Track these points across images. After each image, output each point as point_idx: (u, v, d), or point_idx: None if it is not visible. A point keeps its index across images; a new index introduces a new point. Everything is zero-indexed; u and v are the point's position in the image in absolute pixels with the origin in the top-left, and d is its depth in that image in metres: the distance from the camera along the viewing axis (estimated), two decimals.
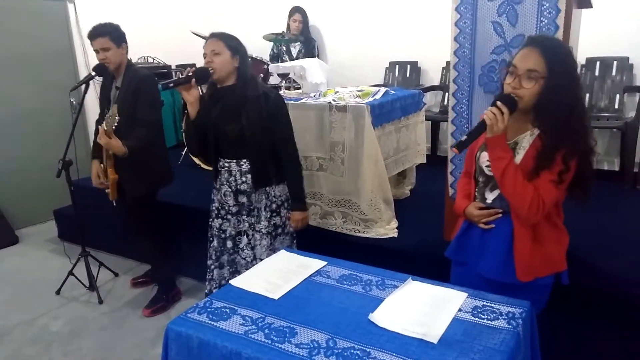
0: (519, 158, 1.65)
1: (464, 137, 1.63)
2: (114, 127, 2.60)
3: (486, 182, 1.77)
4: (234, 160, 2.38)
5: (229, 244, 2.49)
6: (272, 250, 2.41)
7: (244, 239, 2.46)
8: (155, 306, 3.15)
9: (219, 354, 1.41)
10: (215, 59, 2.25)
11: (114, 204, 3.11)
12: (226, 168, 2.41)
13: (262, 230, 2.42)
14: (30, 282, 3.62)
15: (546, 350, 1.67)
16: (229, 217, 2.47)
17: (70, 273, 3.40)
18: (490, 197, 1.76)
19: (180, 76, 2.31)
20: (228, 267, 2.54)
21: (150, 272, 3.54)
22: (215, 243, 2.54)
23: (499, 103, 1.57)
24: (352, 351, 1.34)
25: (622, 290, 2.24)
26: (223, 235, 2.50)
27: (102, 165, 3.04)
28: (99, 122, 3.09)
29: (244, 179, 2.37)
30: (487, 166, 1.72)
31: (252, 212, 2.43)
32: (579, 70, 3.92)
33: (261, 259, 2.34)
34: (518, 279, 1.68)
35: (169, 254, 3.32)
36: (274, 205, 2.43)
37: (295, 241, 2.57)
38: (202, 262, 3.48)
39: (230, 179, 2.41)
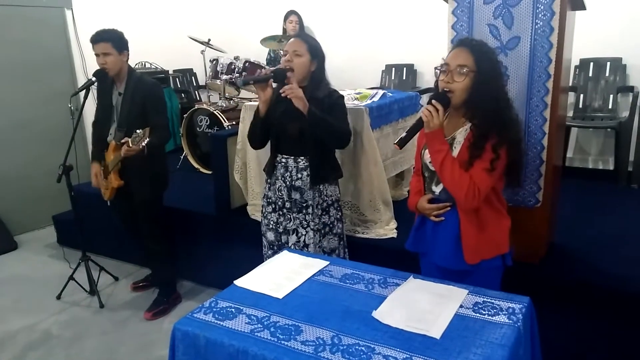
0: (456, 152, 1.79)
1: (404, 134, 1.78)
2: (142, 145, 2.64)
3: (431, 176, 1.91)
4: (292, 157, 2.41)
5: (284, 238, 2.51)
6: (320, 248, 2.44)
7: (293, 237, 2.46)
8: (157, 309, 3.17)
9: (226, 353, 1.44)
10: (296, 60, 2.28)
11: (108, 204, 3.14)
12: (283, 163, 2.44)
13: (315, 227, 2.44)
14: (31, 288, 3.63)
15: (545, 344, 1.71)
16: (284, 211, 2.48)
17: (71, 278, 3.41)
18: (437, 189, 1.89)
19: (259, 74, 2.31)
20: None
21: (150, 276, 3.56)
22: (271, 237, 2.53)
23: (433, 101, 1.73)
24: (357, 347, 1.37)
25: (617, 287, 2.28)
26: (279, 229, 2.50)
27: (101, 167, 3.07)
28: (95, 124, 3.12)
29: (299, 175, 2.40)
30: (430, 162, 1.86)
31: (306, 209, 2.44)
32: (572, 71, 4.00)
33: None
34: (466, 261, 1.81)
35: (171, 258, 3.34)
36: (324, 204, 2.45)
37: (343, 244, 2.58)
38: (201, 265, 3.53)
39: (286, 175, 2.43)
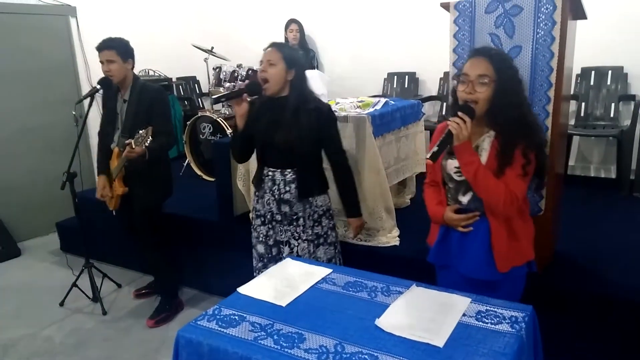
0: (483, 159, 1.78)
1: (436, 148, 1.75)
2: (144, 146, 2.64)
3: (457, 187, 1.88)
4: (279, 170, 2.38)
5: (275, 250, 2.49)
6: (315, 259, 2.41)
7: (286, 249, 2.45)
8: (159, 316, 3.17)
9: None
10: (270, 70, 2.25)
11: (114, 214, 3.15)
12: (270, 177, 2.40)
13: (307, 239, 2.43)
14: (34, 294, 3.64)
15: (548, 352, 1.71)
16: (274, 224, 2.46)
17: (74, 284, 3.42)
18: (464, 199, 1.86)
19: (231, 90, 2.32)
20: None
21: (152, 283, 3.56)
22: (261, 249, 2.52)
23: (460, 113, 1.72)
24: (360, 355, 1.37)
25: (619, 296, 2.28)
26: (269, 242, 2.49)
27: (108, 179, 3.08)
28: (100, 133, 3.14)
29: (287, 188, 2.37)
30: (455, 172, 1.84)
31: (295, 221, 2.43)
32: (574, 79, 4.02)
33: None
34: (498, 270, 1.80)
35: (173, 265, 3.35)
36: (315, 215, 2.43)
37: (338, 251, 2.57)
38: (203, 272, 3.53)
39: (274, 188, 2.40)
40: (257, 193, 2.50)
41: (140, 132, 2.65)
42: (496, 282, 1.82)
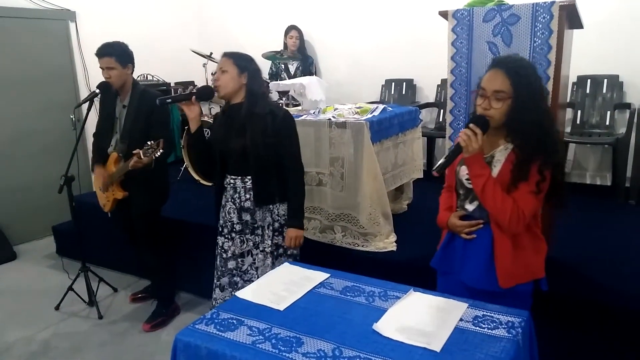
0: (496, 171, 1.74)
1: (442, 160, 1.74)
2: (154, 157, 2.64)
3: (466, 194, 1.85)
4: (239, 177, 2.39)
5: (231, 264, 2.46)
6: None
7: (248, 259, 2.44)
8: (155, 321, 3.17)
9: None
10: (222, 77, 2.30)
11: (109, 215, 3.15)
12: (231, 185, 2.41)
13: (265, 249, 2.42)
14: (30, 298, 3.62)
15: (544, 358, 1.72)
16: (233, 235, 2.44)
17: (70, 288, 3.41)
18: (470, 207, 1.84)
19: (181, 92, 2.36)
20: (230, 290, 2.48)
21: (149, 287, 3.56)
22: (217, 262, 2.51)
23: (471, 125, 1.69)
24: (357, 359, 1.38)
25: (615, 303, 2.29)
26: (225, 255, 2.46)
27: (104, 168, 3.07)
28: (96, 135, 3.14)
29: (247, 195, 2.37)
30: (466, 179, 1.81)
31: (256, 230, 2.42)
32: (570, 87, 4.05)
33: None
34: (500, 285, 1.75)
35: (170, 269, 3.34)
36: (276, 224, 2.41)
37: (287, 260, 2.54)
38: (200, 277, 3.52)
39: (235, 196, 2.40)
40: (221, 203, 2.49)
41: (150, 143, 2.63)
42: (497, 294, 1.76)
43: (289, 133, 2.37)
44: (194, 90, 2.37)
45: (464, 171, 1.82)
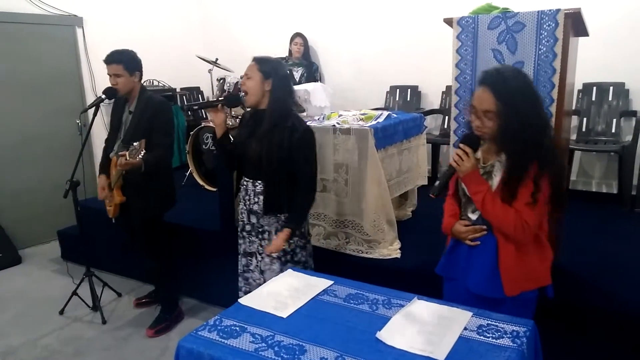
0: (496, 180, 1.75)
1: (437, 183, 1.76)
2: (138, 158, 2.65)
3: (467, 203, 1.86)
4: (251, 181, 2.42)
5: (243, 261, 2.53)
6: None
7: (254, 261, 2.48)
8: (159, 326, 3.17)
9: None
10: (247, 83, 2.30)
11: (113, 221, 3.16)
12: (244, 186, 2.45)
13: (267, 253, 2.42)
14: (34, 302, 3.63)
15: None
16: (244, 234, 2.50)
17: (74, 293, 3.41)
18: (473, 217, 1.85)
19: (210, 99, 2.39)
20: (244, 282, 2.55)
21: (153, 292, 3.56)
22: (240, 259, 2.58)
23: (461, 145, 1.71)
24: None
25: (621, 311, 2.28)
26: (241, 252, 2.54)
27: (108, 180, 3.10)
28: (108, 140, 3.17)
29: (256, 199, 2.39)
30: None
31: (262, 234, 2.44)
32: (575, 95, 4.04)
33: None
34: (505, 294, 1.74)
35: (169, 275, 3.34)
36: None
37: (291, 267, 2.54)
38: (204, 282, 3.53)
39: (246, 198, 2.44)
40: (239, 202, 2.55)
41: (134, 144, 2.67)
42: (501, 300, 1.76)
43: (305, 151, 2.33)
44: (221, 98, 2.39)
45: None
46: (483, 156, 1.80)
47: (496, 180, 1.74)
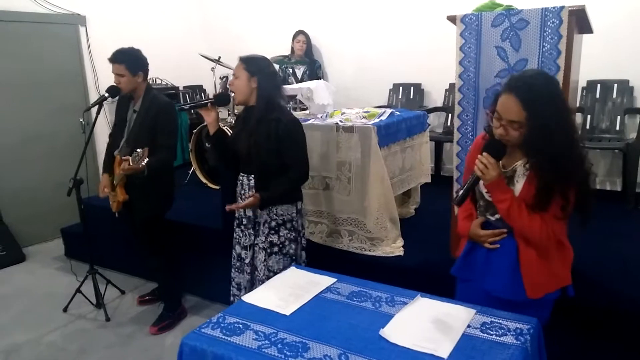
0: (519, 186, 1.70)
1: (461, 192, 1.73)
2: (141, 165, 2.67)
3: (487, 206, 1.82)
4: (246, 175, 2.50)
5: (243, 253, 2.58)
6: (266, 267, 2.44)
7: (249, 253, 2.54)
8: (162, 324, 3.17)
9: None
10: (235, 82, 2.40)
11: (116, 215, 3.18)
12: (240, 181, 2.54)
13: (259, 244, 2.49)
14: (38, 300, 3.64)
15: None
16: (242, 227, 2.57)
17: (78, 290, 3.42)
18: (492, 218, 1.81)
19: (201, 99, 2.46)
20: (236, 288, 2.63)
21: (156, 290, 3.56)
22: (238, 249, 2.62)
23: (485, 154, 1.66)
24: None
25: (624, 309, 2.27)
26: (241, 244, 2.58)
27: (111, 179, 3.12)
28: (111, 135, 3.18)
29: (250, 193, 2.44)
30: (486, 192, 1.77)
31: (256, 226, 2.51)
32: (579, 92, 4.02)
33: (261, 274, 2.45)
34: (529, 297, 1.71)
35: (176, 272, 3.35)
36: (273, 223, 2.45)
37: (294, 265, 2.56)
38: (207, 280, 3.53)
39: (242, 192, 2.52)
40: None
41: (138, 151, 2.69)
42: (521, 303, 1.72)
43: (291, 140, 2.38)
44: (211, 97, 2.50)
45: (482, 184, 1.77)
46: (505, 161, 1.74)
47: (519, 186, 1.70)
